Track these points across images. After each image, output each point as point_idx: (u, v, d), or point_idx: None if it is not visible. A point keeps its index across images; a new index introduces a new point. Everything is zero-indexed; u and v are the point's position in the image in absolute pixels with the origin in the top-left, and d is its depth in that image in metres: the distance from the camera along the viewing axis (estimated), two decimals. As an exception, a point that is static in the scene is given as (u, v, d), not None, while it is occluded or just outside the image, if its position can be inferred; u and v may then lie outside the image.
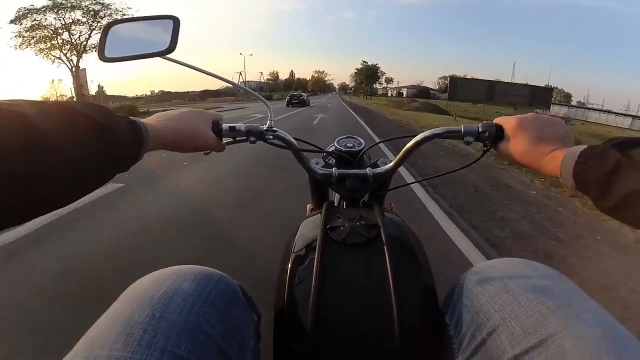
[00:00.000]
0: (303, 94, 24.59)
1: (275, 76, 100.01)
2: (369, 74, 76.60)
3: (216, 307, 0.34)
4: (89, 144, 0.28)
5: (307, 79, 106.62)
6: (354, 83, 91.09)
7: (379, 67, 78.75)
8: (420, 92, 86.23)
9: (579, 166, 0.32)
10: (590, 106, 56.68)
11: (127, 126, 0.33)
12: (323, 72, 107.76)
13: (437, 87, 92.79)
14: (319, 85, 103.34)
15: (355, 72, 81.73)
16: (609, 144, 0.30)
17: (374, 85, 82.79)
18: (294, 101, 21.46)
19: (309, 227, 0.46)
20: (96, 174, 0.30)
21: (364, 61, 78.72)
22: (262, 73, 73.92)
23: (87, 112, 0.29)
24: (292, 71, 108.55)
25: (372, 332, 0.35)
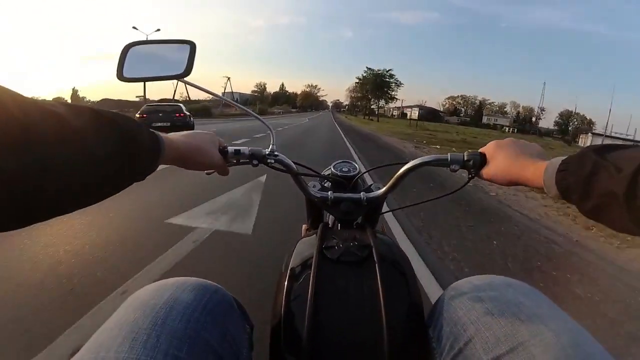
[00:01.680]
0: (181, 106, 11.97)
1: (262, 88, 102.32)
2: (377, 84, 62.85)
3: (213, 316, 0.41)
4: (114, 147, 0.33)
5: (299, 93, 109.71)
6: (348, 100, 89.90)
7: (394, 75, 63.29)
8: (428, 114, 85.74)
9: (560, 173, 0.38)
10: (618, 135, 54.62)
11: (148, 136, 0.40)
12: (316, 86, 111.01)
13: (442, 109, 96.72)
14: (310, 101, 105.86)
15: (356, 83, 70.30)
16: (589, 149, 0.36)
17: (380, 100, 67.15)
18: (156, 120, 10.08)
19: (305, 246, 0.54)
20: (117, 179, 0.35)
21: (368, 68, 65.54)
22: (228, 78, 61.89)
23: (114, 118, 0.35)
24: (282, 84, 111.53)
25: (363, 345, 0.42)
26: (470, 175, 0.55)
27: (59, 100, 0.32)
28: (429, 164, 0.58)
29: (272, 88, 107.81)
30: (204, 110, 30.06)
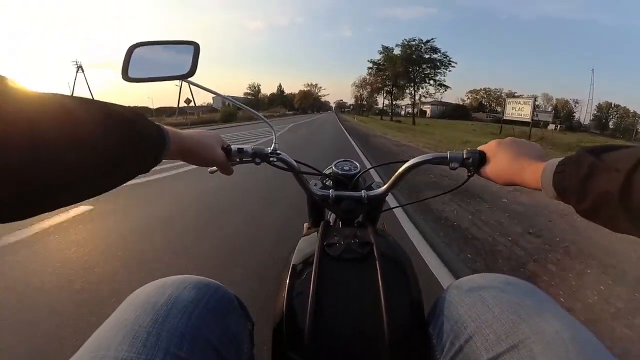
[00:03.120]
0: None
1: (256, 90, 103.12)
2: (413, 62, 46.20)
3: (214, 313, 0.47)
4: (120, 138, 0.37)
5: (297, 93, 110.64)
6: (353, 100, 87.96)
7: (438, 48, 46.04)
8: (455, 111, 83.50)
9: (557, 175, 0.43)
10: None
11: (154, 129, 0.46)
12: (316, 85, 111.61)
13: (463, 104, 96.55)
14: (309, 101, 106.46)
15: (370, 68, 55.89)
16: (584, 150, 0.41)
17: (419, 89, 48.73)
18: None
19: (307, 244, 0.61)
20: (122, 169, 0.40)
21: (385, 47, 50.44)
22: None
23: (120, 110, 0.39)
24: (279, 85, 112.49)
25: (365, 342, 0.47)
26: (469, 174, 0.61)
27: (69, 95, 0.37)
28: (429, 162, 0.65)
29: (270, 90, 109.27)
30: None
